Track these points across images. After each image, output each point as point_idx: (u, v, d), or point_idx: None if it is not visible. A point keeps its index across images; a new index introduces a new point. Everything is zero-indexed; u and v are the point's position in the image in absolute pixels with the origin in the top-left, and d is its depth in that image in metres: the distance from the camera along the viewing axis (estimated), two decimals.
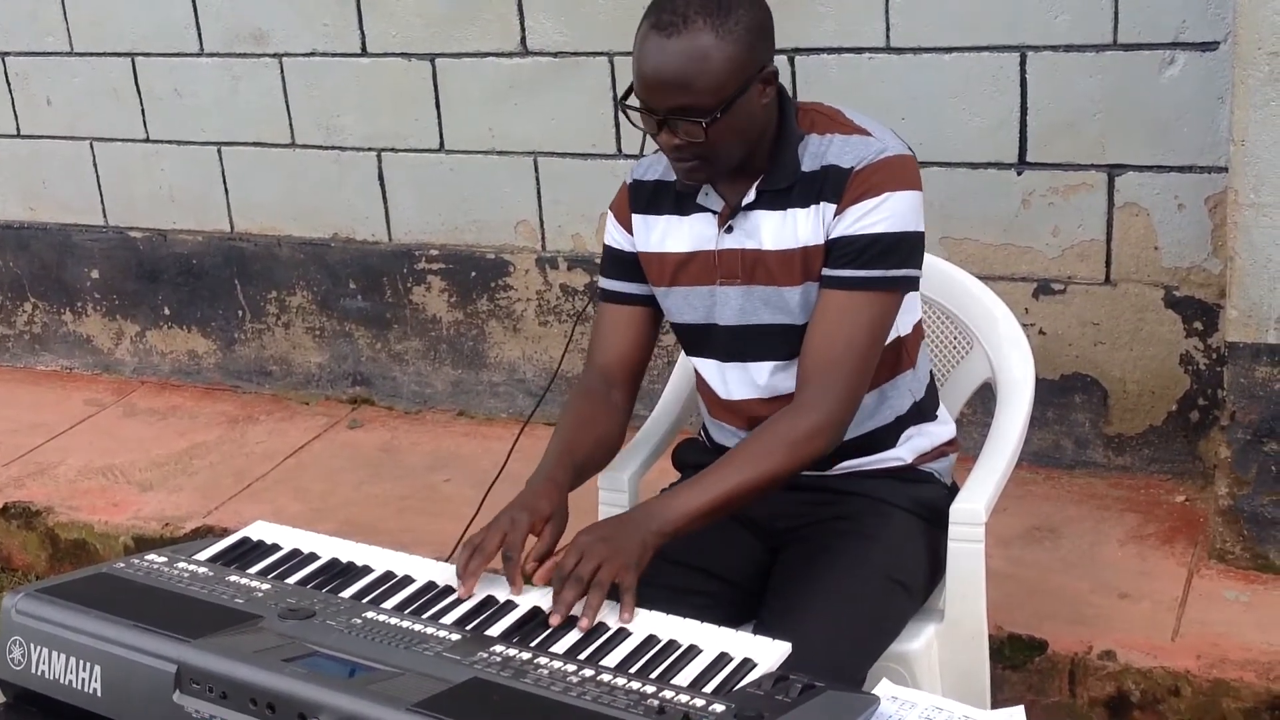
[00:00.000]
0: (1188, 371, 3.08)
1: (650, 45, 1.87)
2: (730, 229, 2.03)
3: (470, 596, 1.75)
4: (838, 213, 1.96)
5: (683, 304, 2.10)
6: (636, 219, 2.12)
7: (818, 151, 1.99)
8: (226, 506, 3.53)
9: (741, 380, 2.10)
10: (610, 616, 1.70)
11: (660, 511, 1.87)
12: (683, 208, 2.08)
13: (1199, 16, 2.84)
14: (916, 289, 2.06)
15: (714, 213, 2.05)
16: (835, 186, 1.96)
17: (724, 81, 1.86)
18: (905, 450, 2.14)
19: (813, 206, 1.98)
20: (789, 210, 1.99)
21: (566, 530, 1.93)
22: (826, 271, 1.98)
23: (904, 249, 1.97)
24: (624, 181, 2.17)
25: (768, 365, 2.07)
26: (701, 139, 1.89)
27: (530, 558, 1.84)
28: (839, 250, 1.96)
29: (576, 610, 1.69)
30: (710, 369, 2.13)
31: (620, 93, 3.37)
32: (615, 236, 2.16)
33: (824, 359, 1.95)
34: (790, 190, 1.99)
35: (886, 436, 2.13)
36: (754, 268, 2.02)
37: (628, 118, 1.96)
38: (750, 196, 2.01)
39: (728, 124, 1.89)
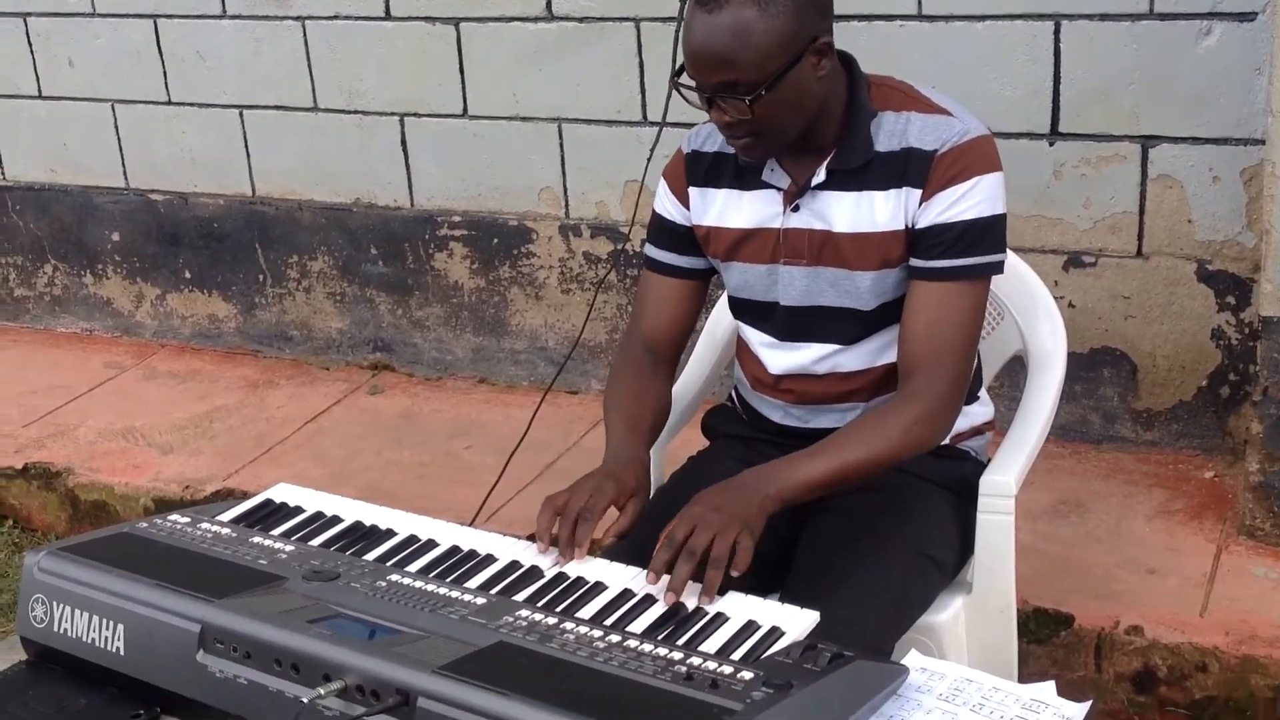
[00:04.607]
0: (1219, 346, 3.04)
1: (695, 21, 1.82)
2: (797, 208, 1.97)
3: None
4: (924, 199, 1.90)
5: (741, 280, 2.06)
6: (694, 192, 2.07)
7: (894, 130, 1.93)
8: (246, 470, 3.52)
9: (796, 360, 2.06)
10: (636, 583, 1.69)
11: (778, 476, 1.83)
12: (744, 182, 2.02)
13: None
14: (1002, 271, 1.99)
15: (779, 190, 1.99)
16: (919, 170, 1.90)
17: (768, 57, 1.80)
18: None
19: (893, 190, 1.92)
20: (865, 192, 1.93)
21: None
22: (919, 262, 1.93)
23: (995, 233, 1.92)
24: (680, 149, 2.11)
25: (828, 347, 2.03)
26: (748, 116, 1.84)
27: (610, 533, 1.83)
28: (931, 239, 1.91)
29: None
30: (764, 345, 2.10)
31: (646, 59, 3.39)
32: (667, 206, 2.11)
33: (930, 349, 1.91)
34: (865, 170, 1.93)
35: None
36: (822, 249, 1.97)
37: (681, 95, 1.91)
38: (820, 176, 1.95)
39: (775, 100, 1.83)
